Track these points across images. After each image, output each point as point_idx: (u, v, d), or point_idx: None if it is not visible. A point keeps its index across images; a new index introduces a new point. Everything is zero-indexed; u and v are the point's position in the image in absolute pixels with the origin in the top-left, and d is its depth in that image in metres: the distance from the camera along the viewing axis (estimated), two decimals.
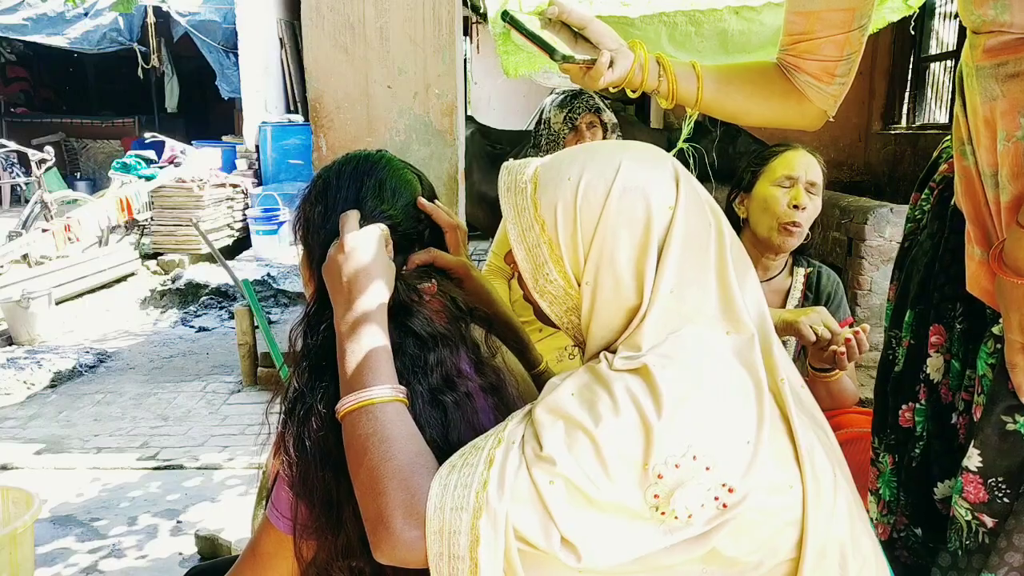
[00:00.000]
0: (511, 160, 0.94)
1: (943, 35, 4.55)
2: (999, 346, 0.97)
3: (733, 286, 0.84)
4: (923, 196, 1.23)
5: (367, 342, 0.88)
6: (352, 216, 0.97)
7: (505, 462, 0.77)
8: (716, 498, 0.75)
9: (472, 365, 0.99)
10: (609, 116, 2.51)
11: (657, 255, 0.82)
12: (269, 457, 0.97)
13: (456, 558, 0.75)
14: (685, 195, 0.84)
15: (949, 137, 1.20)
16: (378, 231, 0.96)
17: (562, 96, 2.52)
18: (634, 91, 1.23)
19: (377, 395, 0.84)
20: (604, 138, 2.52)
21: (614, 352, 0.83)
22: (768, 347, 0.84)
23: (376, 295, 0.91)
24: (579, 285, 0.85)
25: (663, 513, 0.74)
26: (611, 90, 1.23)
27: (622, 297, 0.83)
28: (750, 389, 0.80)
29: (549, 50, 1.14)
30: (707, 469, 0.75)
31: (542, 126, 2.58)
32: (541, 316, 0.94)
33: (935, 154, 1.24)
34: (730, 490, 0.75)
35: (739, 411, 0.78)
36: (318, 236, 1.01)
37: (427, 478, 0.79)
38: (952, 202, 1.10)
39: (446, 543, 0.75)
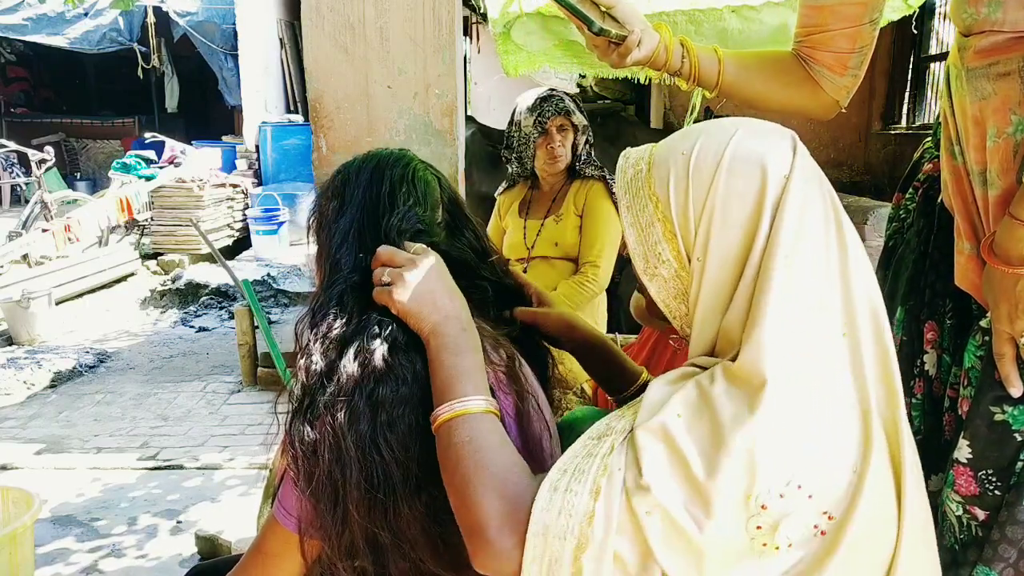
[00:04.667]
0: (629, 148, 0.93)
1: (943, 35, 4.54)
2: (987, 338, 1.00)
3: (852, 278, 0.78)
4: (907, 196, 1.26)
5: (462, 354, 0.89)
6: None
7: (611, 494, 0.74)
8: (815, 526, 0.73)
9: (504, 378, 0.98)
10: (579, 118, 2.52)
11: (769, 226, 0.78)
12: (277, 455, 0.97)
13: None
14: (801, 167, 0.80)
15: (929, 138, 1.23)
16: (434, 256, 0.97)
17: (533, 99, 2.53)
18: (657, 71, 1.26)
19: (472, 406, 0.85)
20: (575, 140, 2.53)
21: (733, 359, 0.78)
22: (885, 355, 0.77)
23: (464, 307, 0.93)
24: (689, 264, 0.83)
25: (764, 544, 0.72)
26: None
27: (728, 274, 0.80)
28: (856, 410, 0.75)
29: (587, 22, 1.17)
30: (809, 498, 0.72)
31: (513, 128, 2.59)
32: (650, 308, 0.93)
33: (916, 155, 1.28)
34: (829, 517, 0.73)
35: (845, 435, 0.74)
36: (331, 231, 1.00)
37: (523, 488, 0.79)
38: (939, 200, 1.13)
39: (546, 570, 0.74)
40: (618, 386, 1.16)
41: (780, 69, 1.28)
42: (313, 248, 1.06)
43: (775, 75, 1.28)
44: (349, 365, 0.90)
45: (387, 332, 0.92)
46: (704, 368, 0.81)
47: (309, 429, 0.90)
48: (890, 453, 0.76)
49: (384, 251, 0.95)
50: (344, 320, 0.94)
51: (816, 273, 0.77)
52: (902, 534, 0.75)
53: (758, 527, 0.71)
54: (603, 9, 1.18)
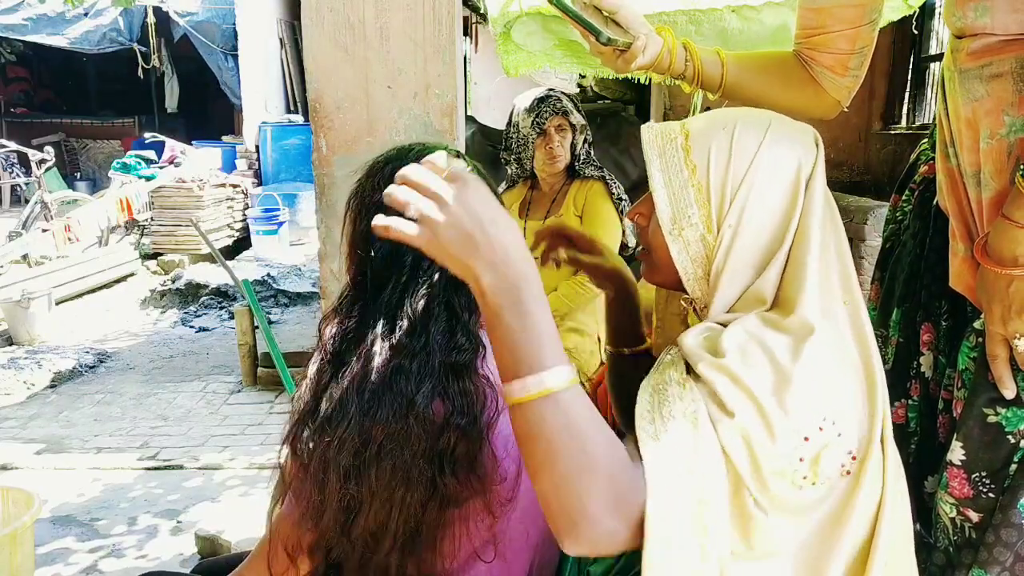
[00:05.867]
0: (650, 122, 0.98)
1: (943, 35, 4.54)
2: (980, 340, 1.00)
3: (845, 253, 0.89)
4: (903, 198, 1.26)
5: (531, 312, 0.74)
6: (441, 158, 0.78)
7: (705, 433, 0.78)
8: (842, 465, 0.80)
9: None
10: (577, 118, 2.52)
11: (803, 201, 0.87)
12: (283, 461, 0.96)
13: (683, 528, 0.76)
14: (821, 155, 0.91)
15: (926, 140, 1.23)
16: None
17: (530, 100, 2.53)
18: (661, 74, 1.27)
19: (557, 381, 0.74)
20: (573, 139, 2.53)
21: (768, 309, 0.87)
22: (867, 321, 0.88)
23: (525, 249, 0.76)
24: (718, 230, 0.89)
25: (804, 478, 0.78)
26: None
27: (762, 240, 0.88)
28: (860, 362, 0.84)
29: (594, 31, 1.17)
30: (839, 436, 0.79)
31: (512, 129, 2.59)
32: (656, 271, 0.98)
33: (913, 157, 1.29)
34: (854, 457, 0.80)
35: (857, 385, 0.83)
36: (369, 215, 0.94)
37: (630, 471, 0.75)
38: (934, 202, 1.13)
39: (675, 516, 0.75)
40: (625, 342, 1.20)
41: (782, 70, 1.28)
42: (346, 232, 1.01)
43: (778, 76, 1.28)
44: (359, 374, 0.89)
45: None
46: (725, 324, 0.88)
47: (313, 430, 0.89)
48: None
49: (411, 171, 0.75)
50: (365, 327, 0.92)
51: (827, 246, 0.87)
52: (887, 480, 0.83)
53: (800, 459, 0.78)
54: (605, 14, 1.18)
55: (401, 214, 0.75)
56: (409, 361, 0.90)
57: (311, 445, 0.90)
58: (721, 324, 0.88)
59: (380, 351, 0.90)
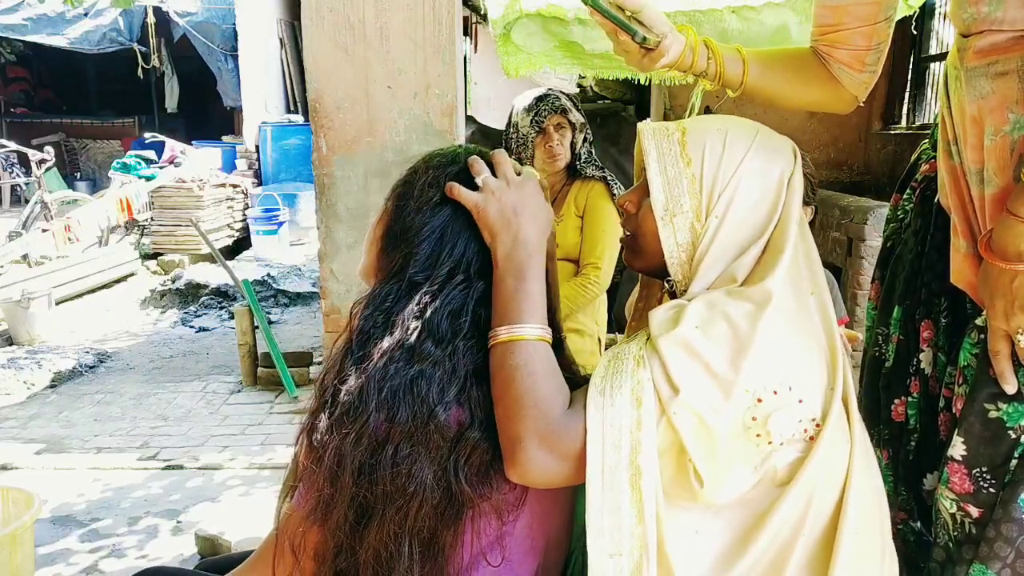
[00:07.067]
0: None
1: (943, 35, 4.54)
2: (982, 336, 1.01)
3: (817, 261, 0.97)
4: (904, 197, 1.27)
5: (527, 280, 0.95)
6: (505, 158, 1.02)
7: (647, 401, 0.87)
8: (805, 430, 0.86)
9: None
10: (577, 116, 2.50)
11: (783, 200, 0.97)
12: (299, 450, 0.96)
13: (618, 490, 0.86)
14: (799, 164, 1.00)
15: (927, 140, 1.24)
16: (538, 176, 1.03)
17: (529, 100, 2.51)
18: (683, 73, 1.28)
19: (526, 333, 0.92)
20: (573, 138, 2.52)
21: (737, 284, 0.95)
22: (832, 315, 0.96)
23: (542, 234, 0.99)
24: (706, 219, 0.97)
25: (758, 435, 0.85)
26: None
27: (743, 232, 0.96)
28: (825, 344, 0.91)
29: (630, 30, 1.18)
30: (800, 402, 0.86)
31: (511, 129, 2.57)
32: (639, 256, 1.05)
33: (914, 156, 1.29)
34: (817, 425, 0.87)
35: (821, 362, 0.90)
36: (417, 222, 0.97)
37: (562, 415, 0.89)
38: (935, 200, 1.14)
39: (609, 476, 0.86)
40: None
41: (801, 67, 1.29)
42: (378, 221, 1.02)
43: (797, 73, 1.29)
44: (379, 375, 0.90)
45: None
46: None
47: (332, 422, 0.90)
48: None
49: (498, 154, 1.01)
50: (394, 326, 0.93)
51: (796, 244, 0.96)
52: (854, 451, 0.89)
53: (753, 418, 0.85)
54: (628, 13, 1.19)
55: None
56: (432, 368, 0.91)
57: (328, 436, 0.89)
58: (690, 300, 0.94)
59: (404, 354, 0.91)
